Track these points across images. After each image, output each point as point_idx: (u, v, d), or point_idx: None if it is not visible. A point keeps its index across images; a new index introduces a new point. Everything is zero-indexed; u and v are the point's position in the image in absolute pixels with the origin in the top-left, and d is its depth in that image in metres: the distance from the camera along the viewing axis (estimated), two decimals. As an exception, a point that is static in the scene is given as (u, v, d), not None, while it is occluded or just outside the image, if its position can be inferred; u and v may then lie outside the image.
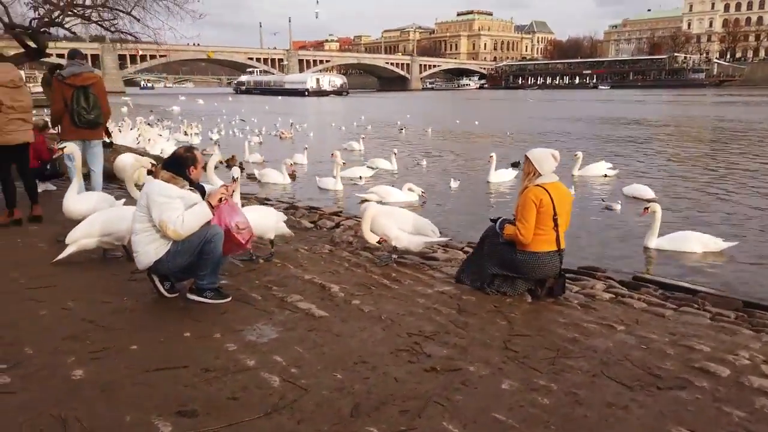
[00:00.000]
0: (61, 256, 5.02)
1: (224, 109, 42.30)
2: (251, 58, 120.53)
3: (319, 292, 4.63)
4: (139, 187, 6.34)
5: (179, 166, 4.24)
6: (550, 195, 4.45)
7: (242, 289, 4.66)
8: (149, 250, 4.11)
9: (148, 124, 22.10)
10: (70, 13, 14.13)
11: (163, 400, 2.89)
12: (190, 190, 4.29)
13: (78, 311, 4.05)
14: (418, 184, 10.74)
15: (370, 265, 5.56)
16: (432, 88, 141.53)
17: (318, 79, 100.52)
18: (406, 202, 10.55)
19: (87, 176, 7.76)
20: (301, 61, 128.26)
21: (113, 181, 9.42)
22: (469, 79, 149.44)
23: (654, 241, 7.12)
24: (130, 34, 15.12)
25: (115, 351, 3.44)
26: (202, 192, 4.42)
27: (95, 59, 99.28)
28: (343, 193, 11.31)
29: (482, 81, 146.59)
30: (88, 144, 7.57)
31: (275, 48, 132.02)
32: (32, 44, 13.38)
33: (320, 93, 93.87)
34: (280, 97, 77.65)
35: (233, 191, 4.44)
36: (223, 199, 4.29)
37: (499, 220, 4.80)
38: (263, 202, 9.17)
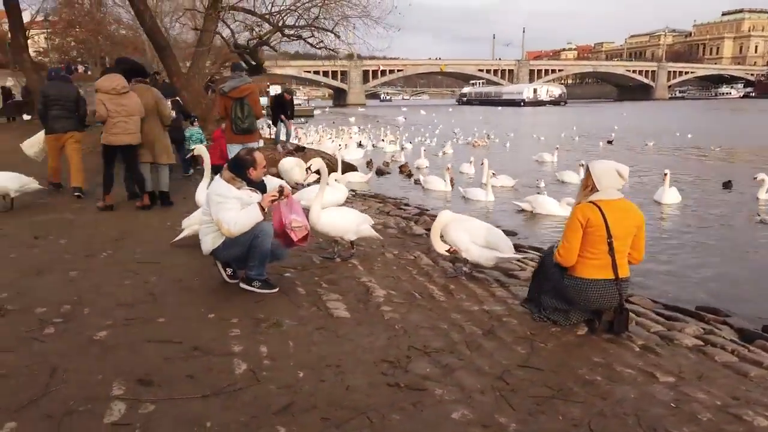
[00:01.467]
0: (176, 239, 5.88)
1: (436, 120, 43.77)
2: (481, 70, 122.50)
3: (361, 295, 4.66)
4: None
5: (239, 167, 4.65)
6: (602, 214, 3.83)
7: (297, 283, 4.93)
8: (207, 240, 4.61)
9: (357, 132, 24.09)
10: (286, 34, 16.18)
11: (137, 366, 3.26)
12: (251, 189, 4.68)
13: (151, 285, 4.73)
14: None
15: (440, 275, 5.39)
16: (682, 97, 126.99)
17: (535, 90, 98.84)
18: (561, 215, 9.92)
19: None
20: (532, 71, 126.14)
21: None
22: (731, 87, 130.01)
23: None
24: (333, 50, 16.67)
25: (144, 321, 3.95)
26: (264, 189, 4.80)
27: (344, 75, 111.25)
28: (494, 204, 10.94)
29: (748, 89, 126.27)
30: (246, 147, 8.64)
31: (499, 59, 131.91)
32: (252, 62, 15.63)
33: (537, 103, 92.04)
34: (499, 108, 77.41)
35: (289, 193, 4.71)
36: (276, 200, 4.58)
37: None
38: (399, 206, 9.38)
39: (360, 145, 20.48)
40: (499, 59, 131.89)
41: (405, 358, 3.54)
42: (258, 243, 4.51)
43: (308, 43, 16.62)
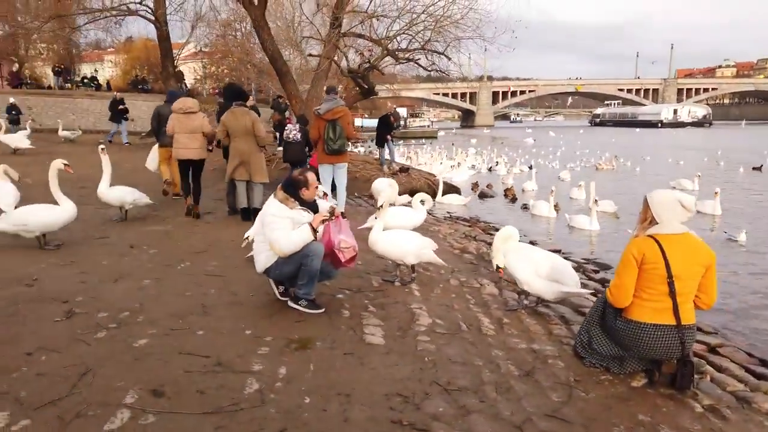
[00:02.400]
0: (249, 254, 6.08)
1: (561, 141, 41.88)
2: (621, 89, 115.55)
3: (404, 322, 4.49)
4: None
5: (292, 187, 4.69)
6: (662, 249, 3.34)
7: (345, 304, 4.87)
8: (261, 259, 4.71)
9: (473, 154, 23.78)
10: (398, 57, 16.49)
11: (158, 377, 3.37)
12: (303, 209, 4.72)
13: (207, 297, 4.90)
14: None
15: (500, 306, 5.06)
16: None
17: (675, 110, 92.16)
18: None
19: (334, 190, 9.02)
20: (680, 90, 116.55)
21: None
22: None
23: None
24: (443, 72, 16.65)
25: (185, 332, 4.09)
26: (316, 209, 4.83)
27: (473, 96, 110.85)
28: (598, 233, 10.12)
29: None
30: (335, 167, 8.85)
31: (637, 77, 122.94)
32: (365, 85, 16.06)
33: (676, 124, 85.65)
34: (637, 129, 72.65)
35: (338, 214, 4.70)
36: (327, 220, 4.60)
37: None
38: (488, 231, 9.01)
39: (473, 167, 20.19)
40: (637, 77, 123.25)
41: (422, 394, 3.32)
42: (308, 262, 4.53)
43: (420, 65, 16.79)
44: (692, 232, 3.47)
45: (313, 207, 4.82)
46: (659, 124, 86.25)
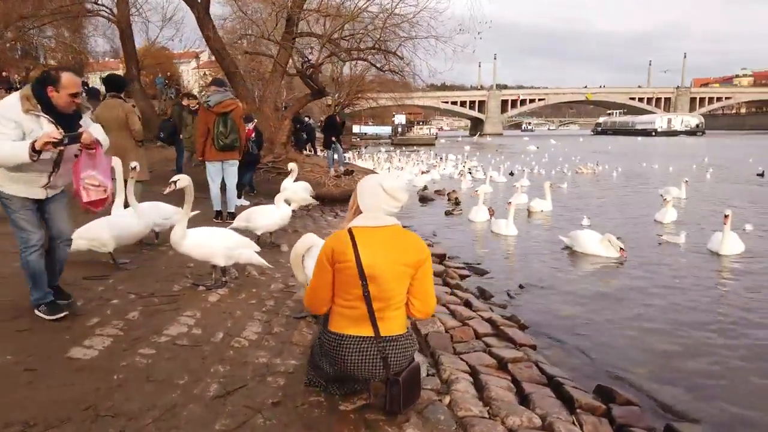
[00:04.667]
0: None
1: (553, 148, 40.98)
2: (633, 98, 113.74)
3: (148, 333, 3.79)
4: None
5: (40, 83, 3.61)
6: (355, 245, 2.63)
7: (108, 312, 4.18)
8: None
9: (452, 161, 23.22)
10: (353, 57, 15.94)
11: None
12: (48, 119, 3.59)
13: None
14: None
15: (292, 313, 4.38)
16: None
17: (669, 120, 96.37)
18: (603, 256, 8.22)
19: (224, 189, 8.36)
20: (693, 99, 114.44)
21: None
22: None
23: None
24: (397, 72, 16.05)
25: None
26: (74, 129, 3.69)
27: (482, 105, 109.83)
28: (516, 239, 9.34)
29: None
30: (225, 163, 8.20)
31: (639, 86, 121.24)
32: (314, 85, 15.48)
33: (670, 133, 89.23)
34: (639, 138, 73.41)
35: (91, 141, 3.68)
36: (55, 144, 3.47)
37: None
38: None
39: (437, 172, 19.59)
40: (640, 86, 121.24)
41: (57, 422, 2.65)
42: (22, 259, 3.85)
43: (374, 65, 16.21)
44: (399, 224, 2.76)
45: (68, 124, 3.66)
46: (653, 133, 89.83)
